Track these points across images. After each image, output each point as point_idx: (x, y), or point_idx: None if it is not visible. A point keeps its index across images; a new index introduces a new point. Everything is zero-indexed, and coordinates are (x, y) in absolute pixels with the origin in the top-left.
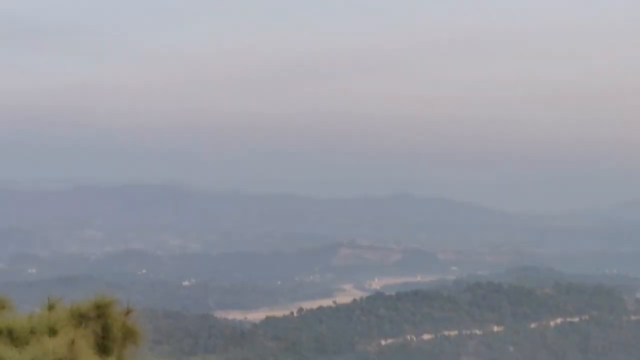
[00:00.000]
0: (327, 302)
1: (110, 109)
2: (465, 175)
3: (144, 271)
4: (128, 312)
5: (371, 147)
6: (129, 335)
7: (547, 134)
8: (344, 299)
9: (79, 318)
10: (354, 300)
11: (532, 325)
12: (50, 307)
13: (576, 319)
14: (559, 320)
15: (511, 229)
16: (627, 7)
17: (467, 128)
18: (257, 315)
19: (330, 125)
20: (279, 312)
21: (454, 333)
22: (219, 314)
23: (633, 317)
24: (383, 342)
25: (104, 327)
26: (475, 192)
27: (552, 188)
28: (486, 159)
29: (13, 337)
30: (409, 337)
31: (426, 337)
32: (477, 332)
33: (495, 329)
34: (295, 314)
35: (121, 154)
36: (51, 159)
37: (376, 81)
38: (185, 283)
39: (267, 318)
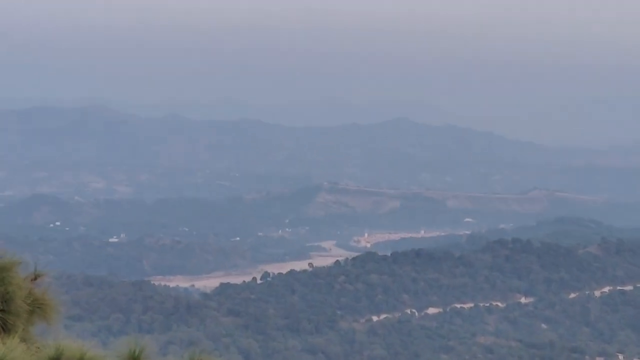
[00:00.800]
0: (301, 266)
1: (9, 12)
2: (483, 97)
3: (57, 223)
4: (36, 277)
5: (358, 60)
6: (38, 307)
7: (591, 46)
8: (323, 261)
9: None
10: (337, 262)
11: (572, 296)
12: None
13: (629, 287)
14: (606, 289)
15: (544, 168)
16: None
17: (486, 37)
18: (208, 283)
19: (302, 35)
20: (236, 279)
21: (468, 306)
22: (157, 281)
23: None
24: (375, 318)
25: (4, 298)
26: (495, 120)
27: (598, 114)
28: (509, 77)
29: None
30: (409, 311)
31: (432, 311)
32: (499, 304)
33: (523, 300)
34: (258, 281)
35: (27, 69)
36: None
37: None
38: (113, 239)
39: (222, 286)
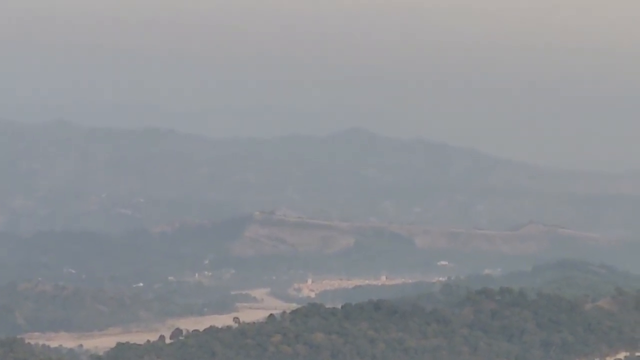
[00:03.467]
0: (224, 320)
1: None
2: (464, 106)
3: None
4: None
5: (300, 59)
6: None
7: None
8: (252, 314)
9: None
10: (271, 316)
11: None
12: None
13: None
14: (622, 355)
15: (542, 197)
16: None
17: (470, 35)
18: (101, 342)
19: (228, 30)
20: (139, 337)
21: None
22: (35, 339)
23: None
24: None
25: None
26: (479, 134)
27: (610, 132)
28: (497, 84)
29: None
30: None
31: None
32: None
33: None
34: (167, 340)
35: None
36: None
37: None
38: None
39: (119, 347)
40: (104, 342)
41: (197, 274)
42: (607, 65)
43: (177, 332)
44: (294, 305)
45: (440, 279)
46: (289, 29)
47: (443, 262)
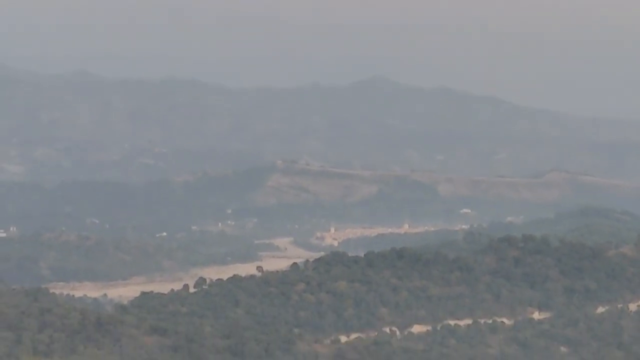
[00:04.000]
0: (247, 270)
1: None
2: (486, 55)
3: None
4: None
5: (325, 13)
6: None
7: None
8: (276, 263)
9: None
10: (294, 265)
11: (600, 310)
12: None
13: None
14: None
15: (565, 144)
16: None
17: None
18: (125, 292)
19: None
20: (163, 287)
21: (465, 323)
22: (59, 289)
23: None
24: (344, 339)
25: None
26: (501, 82)
27: (634, 77)
28: (521, 32)
29: None
30: (388, 329)
31: (418, 329)
32: (506, 320)
33: (537, 315)
34: (191, 289)
35: None
36: None
37: None
38: (0, 234)
39: (143, 296)
40: (127, 291)
41: (220, 224)
42: (632, 9)
43: (200, 281)
44: (317, 254)
45: (463, 226)
46: None
47: (466, 210)
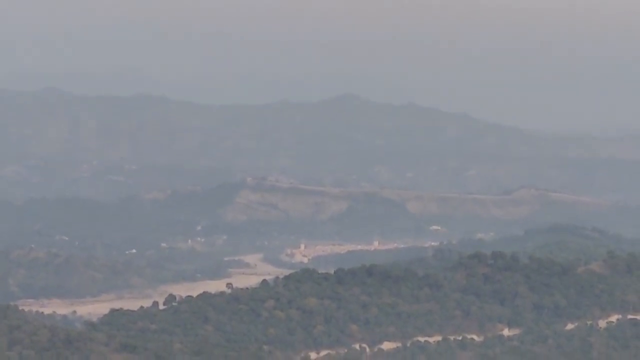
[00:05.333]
0: (216, 286)
1: None
2: (456, 72)
3: None
4: None
5: (294, 30)
6: None
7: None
8: (245, 280)
9: None
10: (264, 282)
11: (569, 327)
12: None
13: None
14: (614, 317)
15: (535, 161)
16: None
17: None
18: (94, 308)
19: None
20: (132, 304)
21: (435, 340)
22: (28, 306)
23: None
24: (313, 355)
25: None
26: (471, 99)
27: (605, 95)
28: (487, 49)
29: None
30: (358, 346)
31: (388, 346)
32: (475, 337)
33: (506, 332)
34: (161, 306)
35: None
36: None
37: None
38: None
39: (112, 313)
40: (97, 308)
41: (189, 240)
42: (596, 27)
43: (170, 298)
44: (287, 271)
45: (433, 243)
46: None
47: (435, 227)
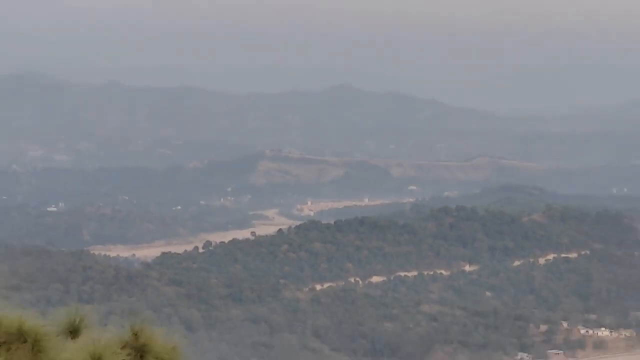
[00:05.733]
0: (243, 234)
1: None
2: (427, 65)
3: None
4: None
5: (302, 30)
6: None
7: (539, 14)
8: (266, 229)
9: None
10: (280, 231)
11: (516, 263)
12: None
13: (574, 255)
14: (551, 256)
15: (488, 135)
16: None
17: (427, 7)
18: (149, 252)
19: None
20: (178, 248)
21: (412, 274)
22: (97, 250)
23: None
24: (318, 287)
25: None
26: (440, 88)
27: (545, 82)
28: (454, 45)
29: None
30: (352, 279)
31: (376, 279)
32: (443, 272)
33: (467, 268)
34: (200, 250)
35: None
36: None
37: None
38: (52, 208)
39: (163, 255)
40: (151, 252)
41: (222, 199)
42: (553, 21)
43: (207, 243)
44: (298, 222)
45: (410, 200)
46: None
47: (412, 187)
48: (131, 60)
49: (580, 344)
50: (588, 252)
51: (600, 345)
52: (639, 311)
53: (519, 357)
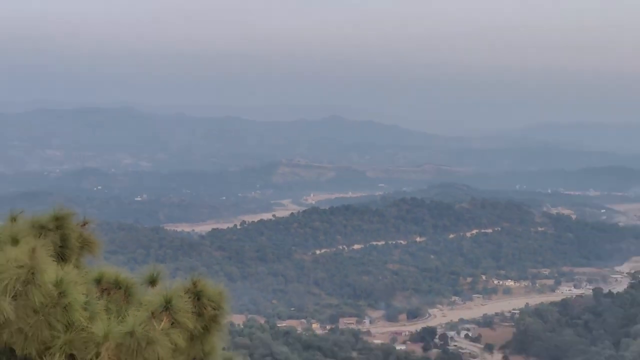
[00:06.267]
0: (267, 216)
1: (69, 35)
2: (392, 100)
3: (99, 187)
4: (84, 223)
5: (306, 74)
6: (86, 245)
7: (465, 62)
8: (282, 212)
9: (39, 229)
10: (292, 214)
11: (451, 236)
12: (12, 220)
13: (490, 230)
14: (474, 231)
15: (433, 150)
16: None
17: (394, 58)
18: (203, 228)
19: (268, 54)
20: (223, 225)
21: (381, 243)
22: (169, 227)
23: (539, 229)
24: (318, 252)
25: (63, 237)
26: (401, 116)
27: (470, 112)
28: (412, 86)
29: None
30: (341, 247)
31: (356, 246)
32: (402, 242)
33: (418, 239)
34: (238, 227)
35: (79, 79)
36: (12, 82)
37: (307, 11)
38: (138, 198)
39: (213, 230)
40: (205, 228)
41: (253, 192)
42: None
43: (243, 222)
44: (304, 208)
45: (380, 193)
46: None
47: (382, 185)
48: (193, 98)
49: (494, 291)
50: (499, 228)
51: (507, 291)
52: (534, 268)
53: (452, 299)
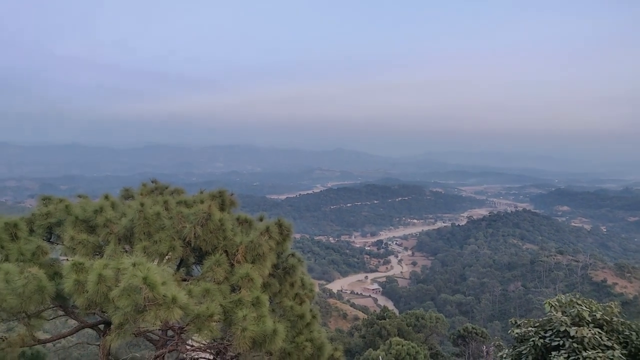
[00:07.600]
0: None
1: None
2: (365, 136)
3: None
4: (232, 194)
5: (313, 121)
6: (232, 203)
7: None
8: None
9: (212, 197)
10: (321, 191)
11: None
12: (201, 193)
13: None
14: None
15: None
16: None
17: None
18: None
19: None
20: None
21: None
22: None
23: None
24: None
25: (222, 201)
26: (371, 145)
27: (404, 144)
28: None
29: (187, 204)
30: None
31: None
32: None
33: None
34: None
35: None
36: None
37: None
38: (256, 183)
39: (287, 199)
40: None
41: (304, 181)
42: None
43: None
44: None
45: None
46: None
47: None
48: (259, 123)
49: (409, 223)
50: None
51: (412, 224)
52: (425, 215)
53: (390, 228)
